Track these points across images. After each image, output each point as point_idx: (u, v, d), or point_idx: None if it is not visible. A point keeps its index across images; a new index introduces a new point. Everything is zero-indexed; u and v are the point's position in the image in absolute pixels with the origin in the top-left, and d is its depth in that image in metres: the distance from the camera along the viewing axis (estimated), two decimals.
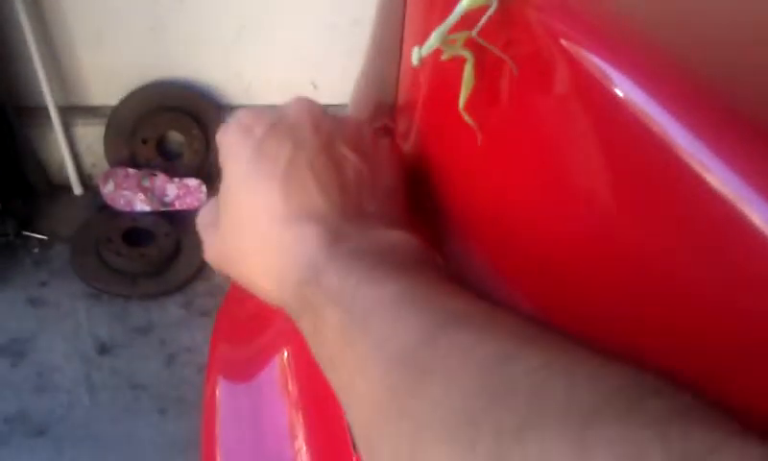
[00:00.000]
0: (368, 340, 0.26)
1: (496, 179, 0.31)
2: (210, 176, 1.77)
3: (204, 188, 1.73)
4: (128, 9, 1.66)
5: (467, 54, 0.30)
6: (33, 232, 1.60)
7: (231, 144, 0.35)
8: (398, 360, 0.25)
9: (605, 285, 0.24)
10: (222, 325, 0.84)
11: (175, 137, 1.80)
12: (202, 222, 0.39)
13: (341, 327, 0.28)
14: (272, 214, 0.33)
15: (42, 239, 1.60)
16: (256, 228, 0.33)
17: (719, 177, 0.18)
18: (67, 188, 1.74)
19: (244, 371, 0.78)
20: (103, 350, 1.40)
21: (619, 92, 0.22)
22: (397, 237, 0.32)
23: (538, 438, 0.19)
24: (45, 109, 1.66)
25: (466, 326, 0.25)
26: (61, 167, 1.73)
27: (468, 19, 0.29)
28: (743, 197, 0.18)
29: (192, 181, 1.74)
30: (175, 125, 1.77)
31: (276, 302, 0.33)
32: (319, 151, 0.34)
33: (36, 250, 1.59)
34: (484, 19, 0.28)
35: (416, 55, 0.32)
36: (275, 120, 0.35)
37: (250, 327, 0.81)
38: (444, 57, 0.31)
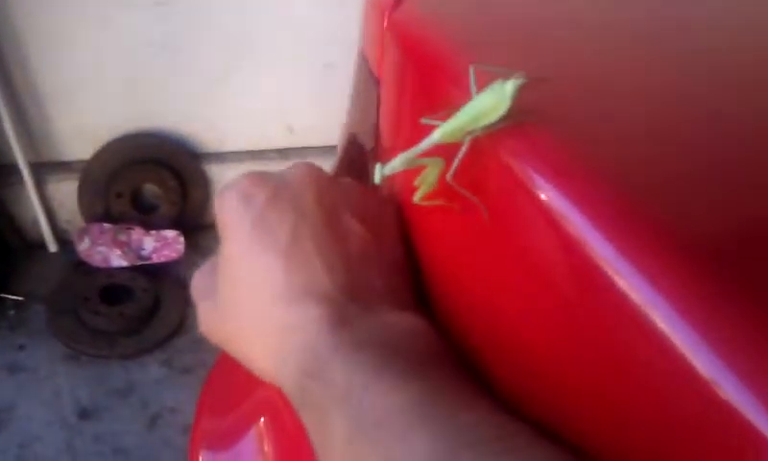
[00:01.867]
0: (376, 458, 0.25)
1: (469, 259, 0.32)
2: (187, 227, 1.76)
3: (181, 239, 1.73)
4: (98, 63, 1.65)
5: (436, 161, 0.31)
6: (8, 294, 1.58)
7: (231, 213, 0.33)
8: None
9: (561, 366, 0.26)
10: (206, 396, 0.84)
11: (150, 190, 1.79)
12: (197, 288, 0.36)
13: (348, 436, 0.26)
14: (273, 292, 0.31)
15: (18, 301, 1.58)
16: (256, 305, 0.31)
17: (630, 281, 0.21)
18: (42, 246, 1.72)
19: (224, 440, 0.78)
20: (84, 414, 1.38)
21: (570, 224, 0.24)
22: (407, 323, 0.30)
23: None
24: (16, 167, 1.64)
25: (483, 454, 0.23)
26: (35, 225, 1.71)
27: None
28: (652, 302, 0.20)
29: (170, 233, 1.73)
30: (150, 177, 1.76)
31: (274, 383, 0.31)
32: (323, 222, 0.32)
33: (12, 312, 1.56)
34: (456, 163, 0.29)
35: (378, 173, 0.32)
36: (276, 188, 0.33)
37: (232, 397, 0.81)
38: (416, 199, 0.32)
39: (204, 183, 1.81)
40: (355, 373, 0.27)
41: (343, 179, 0.37)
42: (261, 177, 0.34)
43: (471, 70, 0.29)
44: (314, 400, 0.28)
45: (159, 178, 1.75)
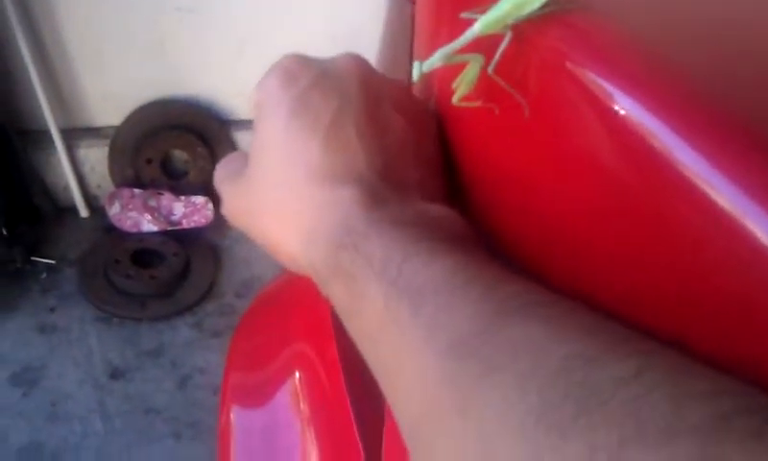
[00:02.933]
0: (418, 321, 0.24)
1: (514, 159, 0.31)
2: (216, 193, 1.74)
3: (210, 205, 1.72)
4: (127, 28, 1.65)
5: (476, 57, 0.29)
6: (40, 258, 1.59)
7: (273, 90, 0.32)
8: (457, 350, 0.22)
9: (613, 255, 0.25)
10: (234, 353, 0.83)
11: (179, 156, 1.79)
12: (221, 174, 0.36)
13: (385, 302, 0.25)
14: (309, 170, 0.30)
15: (50, 264, 1.59)
16: (289, 181, 0.31)
17: (717, 187, 0.19)
18: (73, 211, 1.73)
19: (257, 396, 0.77)
20: (115, 375, 1.38)
21: (623, 111, 0.23)
22: (440, 211, 0.30)
23: (645, 456, 0.16)
24: (48, 133, 1.65)
25: (532, 317, 0.22)
26: (66, 190, 1.72)
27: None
28: (742, 206, 0.19)
29: (199, 199, 1.72)
30: (179, 143, 1.76)
31: (300, 264, 0.31)
32: (365, 108, 0.32)
33: (43, 275, 1.57)
34: (498, 55, 0.27)
35: (416, 70, 0.31)
36: (321, 71, 0.33)
37: (261, 352, 0.80)
38: (455, 100, 0.30)
39: (233, 150, 1.80)
40: (392, 246, 0.26)
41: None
42: (307, 59, 0.33)
43: None
44: (348, 269, 0.27)
45: (188, 143, 1.75)
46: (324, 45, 1.69)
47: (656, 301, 0.22)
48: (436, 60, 0.30)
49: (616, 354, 0.20)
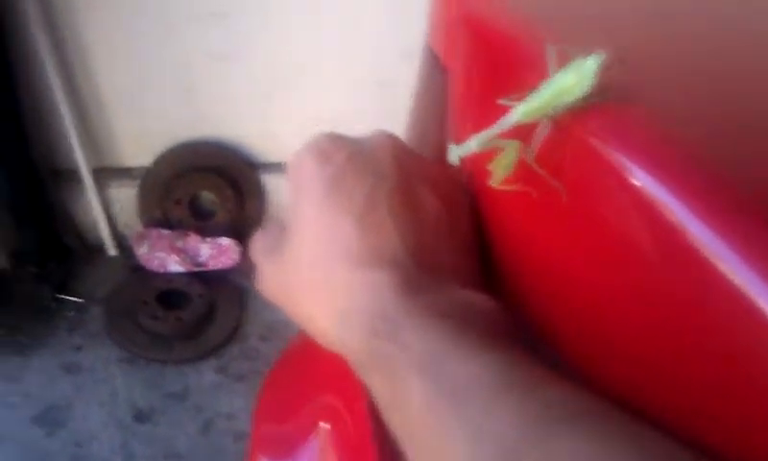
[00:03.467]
0: (461, 424, 0.23)
1: (549, 243, 0.31)
2: (242, 235, 1.76)
3: (237, 247, 1.73)
4: (159, 71, 1.68)
5: (513, 143, 0.30)
6: (68, 295, 1.60)
7: (307, 170, 0.33)
8: (503, 457, 0.22)
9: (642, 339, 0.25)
10: (263, 403, 0.83)
11: (207, 197, 1.80)
12: (258, 248, 0.36)
13: (427, 402, 0.25)
14: (343, 252, 0.30)
15: (78, 302, 1.59)
16: (323, 260, 0.31)
17: (727, 263, 0.20)
18: (101, 250, 1.74)
19: (285, 448, 0.77)
20: (139, 417, 1.38)
21: (659, 201, 0.23)
22: (476, 299, 0.29)
23: None
24: (78, 172, 1.67)
25: (578, 429, 0.22)
26: (95, 229, 1.73)
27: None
28: (749, 281, 0.20)
29: (225, 241, 1.73)
30: (207, 184, 1.77)
31: (332, 341, 0.30)
32: (399, 188, 0.32)
33: (71, 313, 1.58)
34: (537, 142, 0.28)
35: (453, 153, 0.31)
36: (354, 150, 0.33)
37: (290, 404, 0.80)
38: (493, 183, 0.30)
39: (260, 193, 1.82)
40: (431, 339, 0.26)
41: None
42: (339, 137, 0.34)
43: (549, 50, 0.28)
44: (386, 362, 0.27)
45: (216, 185, 1.77)
46: (351, 93, 1.71)
47: (697, 391, 0.23)
48: (473, 144, 0.31)
49: None
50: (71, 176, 1.70)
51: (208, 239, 1.73)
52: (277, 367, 0.87)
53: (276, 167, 1.83)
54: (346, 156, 0.32)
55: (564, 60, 0.27)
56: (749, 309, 0.20)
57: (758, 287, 0.20)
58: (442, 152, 0.44)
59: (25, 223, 1.58)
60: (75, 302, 1.60)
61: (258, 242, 0.36)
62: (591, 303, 0.28)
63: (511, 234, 0.34)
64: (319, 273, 0.31)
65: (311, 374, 0.80)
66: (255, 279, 0.35)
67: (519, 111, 0.28)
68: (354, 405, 0.66)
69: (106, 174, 1.75)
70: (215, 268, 1.70)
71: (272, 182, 1.83)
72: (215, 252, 1.72)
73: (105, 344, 1.51)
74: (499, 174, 0.30)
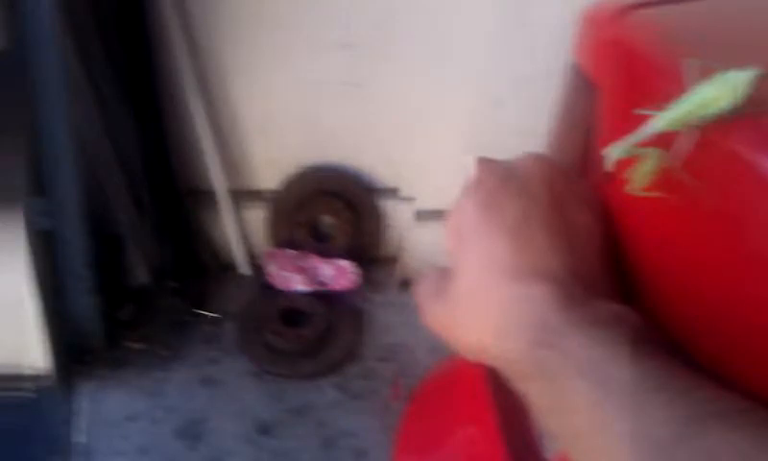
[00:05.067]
0: (623, 426, 0.25)
1: (689, 252, 0.31)
2: (359, 258, 1.84)
3: (356, 270, 1.81)
4: (288, 99, 1.78)
5: (655, 151, 0.31)
6: (204, 310, 1.74)
7: (464, 203, 0.35)
8: (657, 455, 0.23)
9: None
10: (404, 434, 0.87)
11: (326, 220, 1.90)
12: (424, 293, 0.38)
13: (591, 403, 0.27)
14: (499, 267, 0.32)
15: (214, 317, 1.72)
16: (485, 282, 0.32)
17: None
18: (234, 268, 1.87)
19: None
20: (264, 430, 1.48)
21: None
22: (623, 311, 0.31)
23: None
24: (214, 193, 1.80)
25: (729, 424, 0.23)
26: (229, 248, 1.87)
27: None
28: None
29: (345, 263, 1.82)
30: (328, 208, 1.87)
31: (498, 361, 0.32)
32: (551, 208, 0.33)
33: (207, 328, 1.71)
34: (682, 150, 0.29)
35: (608, 158, 0.33)
36: (506, 173, 0.35)
37: (430, 435, 0.83)
38: (634, 189, 0.31)
39: (378, 216, 1.89)
40: (592, 346, 0.28)
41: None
42: (492, 162, 0.36)
43: (689, 64, 0.29)
44: (550, 368, 0.29)
45: (336, 209, 1.85)
46: (470, 118, 1.71)
47: None
48: (619, 151, 0.32)
49: None
50: (208, 197, 1.84)
51: (329, 260, 1.82)
52: (417, 399, 0.91)
53: (391, 192, 1.90)
54: (497, 180, 0.34)
55: (706, 75, 0.28)
56: None
57: None
58: (585, 169, 0.46)
59: (165, 240, 1.72)
60: (210, 316, 1.73)
61: (425, 286, 0.38)
62: (726, 305, 0.28)
63: (645, 242, 0.35)
64: (480, 293, 0.32)
65: (450, 406, 0.83)
66: (420, 316, 0.38)
67: (663, 119, 0.29)
68: (493, 437, 0.69)
69: (240, 196, 1.88)
70: (335, 288, 1.80)
71: (387, 206, 1.90)
72: (336, 273, 1.81)
73: (236, 358, 1.63)
74: (640, 181, 0.31)
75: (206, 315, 1.73)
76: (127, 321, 1.65)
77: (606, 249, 0.35)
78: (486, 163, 0.36)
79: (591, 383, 0.27)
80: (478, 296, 0.33)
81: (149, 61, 1.65)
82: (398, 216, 1.90)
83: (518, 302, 0.31)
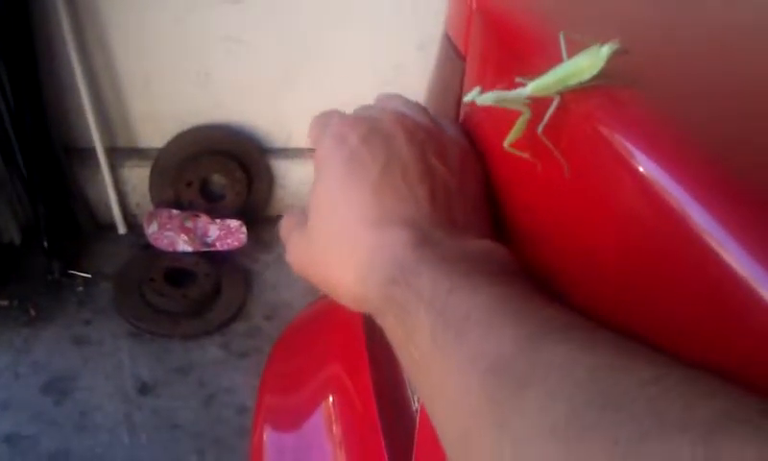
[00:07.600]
0: (462, 348, 0.26)
1: (553, 205, 0.33)
2: (250, 218, 1.79)
3: (244, 229, 1.76)
4: (175, 56, 1.71)
5: (525, 110, 0.32)
6: (78, 271, 1.64)
7: (326, 151, 0.36)
8: (496, 370, 0.25)
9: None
10: (269, 375, 0.85)
11: (218, 180, 1.83)
12: (285, 227, 0.39)
13: (432, 331, 0.28)
14: (363, 216, 0.34)
15: (87, 278, 1.63)
16: (346, 228, 0.34)
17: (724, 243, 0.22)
18: (112, 228, 1.78)
19: (290, 418, 0.78)
20: (143, 389, 1.41)
21: (648, 174, 0.25)
22: (487, 246, 0.32)
23: (661, 446, 0.19)
24: (93, 151, 1.71)
25: (565, 336, 0.25)
26: (107, 207, 1.77)
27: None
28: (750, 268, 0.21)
29: (233, 223, 1.76)
30: (218, 168, 1.80)
31: (358, 300, 0.33)
32: (411, 161, 0.35)
33: (80, 288, 1.62)
34: (547, 118, 0.30)
35: (472, 95, 0.34)
36: (369, 129, 0.36)
37: (295, 375, 0.82)
38: (506, 144, 0.33)
39: (269, 177, 1.85)
40: (440, 280, 0.29)
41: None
42: (354, 118, 0.37)
43: (562, 35, 0.31)
44: (400, 302, 0.30)
45: (227, 168, 1.80)
46: (365, 79, 1.73)
47: (670, 325, 0.25)
48: (490, 98, 0.34)
49: (638, 364, 0.22)
50: (85, 154, 1.74)
51: (217, 220, 1.76)
52: (282, 342, 0.89)
53: (285, 152, 1.85)
54: (360, 136, 0.35)
55: (575, 48, 0.30)
56: (749, 295, 0.20)
57: (759, 274, 0.20)
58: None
59: (38, 198, 1.62)
60: (84, 277, 1.63)
61: (286, 222, 0.39)
62: (587, 250, 0.30)
63: (517, 193, 0.37)
64: (342, 237, 0.34)
65: (316, 347, 0.82)
66: (285, 254, 0.38)
67: (533, 85, 0.31)
68: (359, 377, 0.68)
69: (119, 154, 1.78)
70: (222, 249, 1.74)
71: (281, 167, 1.85)
72: (223, 233, 1.75)
73: (112, 319, 1.55)
74: (510, 137, 0.33)
75: (81, 275, 1.63)
76: None
77: (472, 196, 0.37)
78: (349, 119, 0.37)
79: (433, 313, 0.28)
80: (342, 242, 0.34)
81: (24, 13, 1.54)
82: (289, 176, 1.86)
83: (378, 247, 0.32)
